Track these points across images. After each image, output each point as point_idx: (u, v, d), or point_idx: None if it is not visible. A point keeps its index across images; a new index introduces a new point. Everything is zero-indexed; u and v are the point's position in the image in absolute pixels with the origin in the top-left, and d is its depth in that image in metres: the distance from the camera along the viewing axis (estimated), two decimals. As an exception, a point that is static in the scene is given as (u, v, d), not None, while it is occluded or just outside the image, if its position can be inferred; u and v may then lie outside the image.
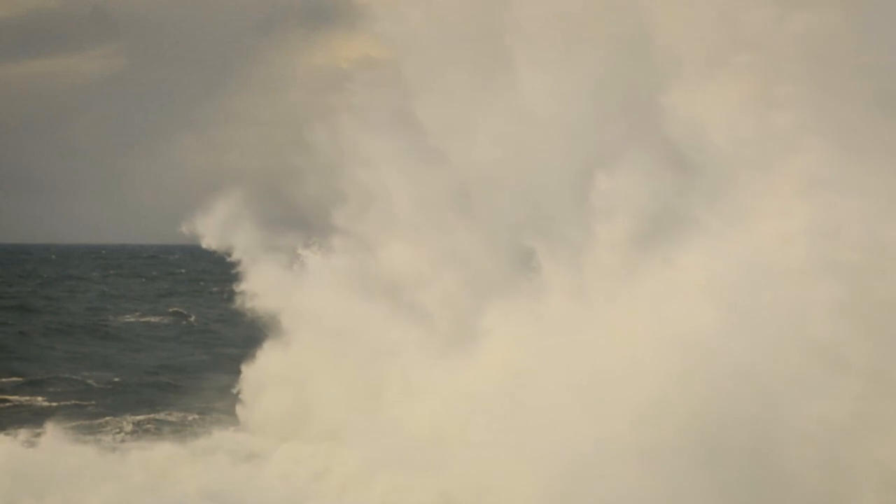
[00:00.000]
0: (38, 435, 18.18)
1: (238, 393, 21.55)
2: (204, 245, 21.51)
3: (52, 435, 18.09)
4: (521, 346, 15.48)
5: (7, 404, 25.58)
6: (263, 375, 20.96)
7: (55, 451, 17.26)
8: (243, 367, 21.56)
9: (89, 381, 28.73)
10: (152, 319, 47.75)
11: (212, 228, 21.33)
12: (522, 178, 18.48)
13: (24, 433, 18.38)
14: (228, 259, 21.58)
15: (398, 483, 15.57)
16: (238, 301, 21.42)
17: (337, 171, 19.99)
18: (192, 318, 47.89)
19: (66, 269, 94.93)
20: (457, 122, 19.22)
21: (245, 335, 28.14)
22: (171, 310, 51.31)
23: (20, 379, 28.83)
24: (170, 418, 23.29)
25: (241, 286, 21.41)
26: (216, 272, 70.30)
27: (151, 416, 23.47)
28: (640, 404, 13.35)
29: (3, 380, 28.59)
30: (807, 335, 12.94)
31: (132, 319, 47.35)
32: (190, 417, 23.39)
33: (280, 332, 20.82)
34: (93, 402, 25.74)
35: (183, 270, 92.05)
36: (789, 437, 12.75)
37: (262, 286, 21.20)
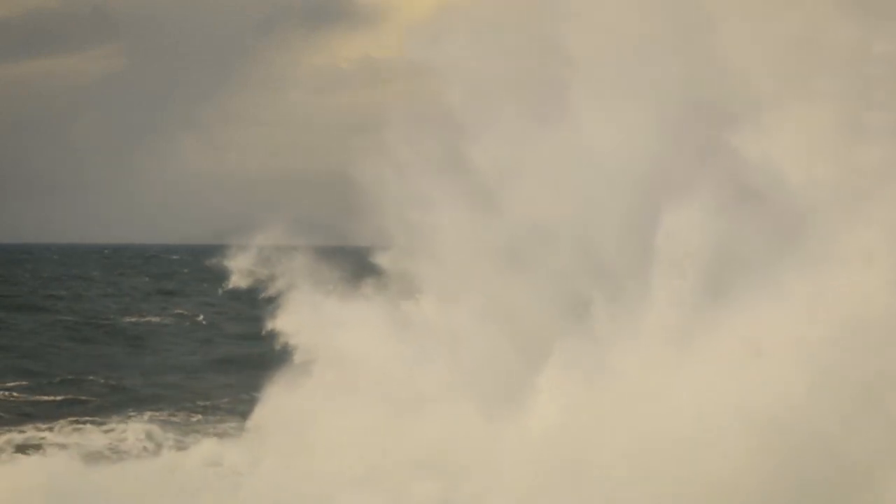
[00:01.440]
0: (49, 433, 18.12)
1: (247, 430, 20.22)
2: (230, 285, 20.18)
3: (67, 438, 18.01)
4: (575, 410, 13.80)
5: (12, 402, 25.35)
6: (278, 416, 19.00)
7: (74, 457, 16.83)
8: (256, 407, 20.05)
9: (94, 380, 28.53)
10: (158, 319, 47.59)
11: (245, 264, 19.95)
12: (578, 220, 16.61)
13: (34, 432, 18.25)
14: (261, 296, 20.12)
15: (444, 484, 14.34)
16: (274, 341, 20.13)
17: (383, 211, 18.22)
18: (200, 318, 47.67)
19: (69, 269, 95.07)
20: (508, 159, 17.32)
21: (250, 333, 28.37)
22: (177, 309, 51.27)
23: (25, 379, 28.47)
24: (174, 419, 23.11)
25: (275, 323, 19.80)
26: (219, 272, 69.94)
27: (156, 415, 23.19)
28: (709, 482, 11.99)
29: (9, 381, 28.11)
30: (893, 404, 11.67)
31: (137, 318, 47.17)
32: (194, 418, 23.28)
33: (304, 373, 19.09)
34: (97, 401, 25.65)
35: (186, 270, 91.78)
36: None
37: (296, 325, 19.35)
